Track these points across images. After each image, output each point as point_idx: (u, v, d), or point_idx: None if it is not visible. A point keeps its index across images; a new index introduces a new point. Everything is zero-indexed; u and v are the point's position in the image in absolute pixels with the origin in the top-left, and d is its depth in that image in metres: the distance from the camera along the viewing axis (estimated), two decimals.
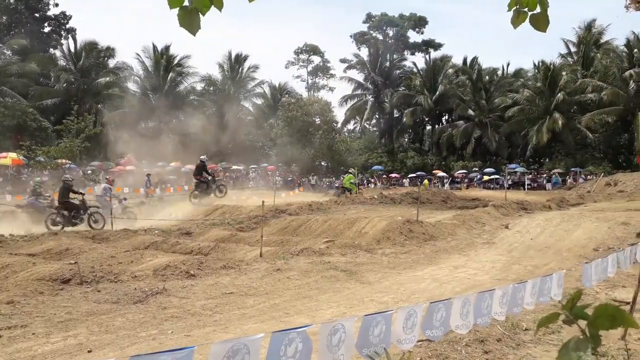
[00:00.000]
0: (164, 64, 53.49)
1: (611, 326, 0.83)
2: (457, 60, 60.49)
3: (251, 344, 1.99)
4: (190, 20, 2.01)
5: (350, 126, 68.62)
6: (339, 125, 60.87)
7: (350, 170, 30.16)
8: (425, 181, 34.20)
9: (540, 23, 2.32)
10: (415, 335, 2.83)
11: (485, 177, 45.54)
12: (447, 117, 61.27)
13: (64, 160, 30.52)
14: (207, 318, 6.32)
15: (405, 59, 66.47)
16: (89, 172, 34.85)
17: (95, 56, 51.27)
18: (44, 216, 17.08)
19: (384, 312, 2.60)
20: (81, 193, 17.94)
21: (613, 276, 7.48)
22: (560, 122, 45.47)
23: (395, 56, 65.54)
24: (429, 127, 63.29)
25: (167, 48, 54.32)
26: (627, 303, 5.97)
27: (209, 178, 22.62)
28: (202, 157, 23.60)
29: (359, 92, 63.62)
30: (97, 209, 17.89)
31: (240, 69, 58.98)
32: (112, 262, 10.12)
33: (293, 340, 2.18)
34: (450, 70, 58.62)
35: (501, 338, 5.19)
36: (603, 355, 4.84)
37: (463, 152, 54.69)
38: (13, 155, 33.29)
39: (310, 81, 74.30)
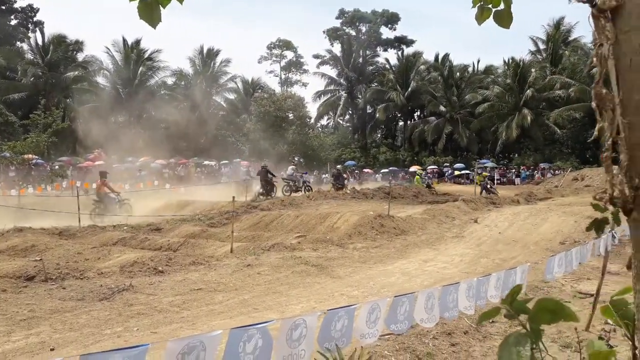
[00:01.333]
0: (134, 58, 52.59)
1: (552, 320, 0.83)
2: (429, 56, 61.05)
3: (208, 340, 1.95)
4: (150, 13, 1.98)
5: (324, 121, 68.69)
6: (312, 120, 60.79)
7: (417, 172, 37.06)
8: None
9: (504, 20, 2.33)
10: (378, 330, 2.83)
11: (456, 172, 46.07)
12: (419, 113, 61.72)
13: (30, 156, 29.81)
14: (174, 315, 6.25)
15: (378, 55, 66.73)
16: (57, 167, 34.11)
17: (63, 50, 50.13)
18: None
19: (346, 306, 2.60)
20: (274, 175, 25.05)
21: (578, 269, 7.66)
22: (529, 118, 46.25)
23: (368, 52, 65.68)
24: (401, 123, 63.66)
25: (137, 42, 53.42)
26: (592, 295, 6.11)
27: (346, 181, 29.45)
28: (338, 166, 32.21)
29: (332, 87, 63.61)
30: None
31: (212, 63, 58.41)
32: (78, 259, 9.94)
33: (253, 336, 2.15)
34: (422, 67, 59.01)
35: (468, 331, 5.26)
36: (567, 346, 4.94)
37: (434, 147, 55.20)
38: None
39: (283, 76, 74.03)
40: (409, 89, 56.41)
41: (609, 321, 5.69)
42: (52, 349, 4.95)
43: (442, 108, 54.53)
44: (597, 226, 1.07)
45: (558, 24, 52.33)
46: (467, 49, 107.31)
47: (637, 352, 1.02)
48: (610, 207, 0.97)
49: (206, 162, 46.30)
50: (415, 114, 62.25)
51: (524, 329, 0.80)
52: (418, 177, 36.68)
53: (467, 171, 45.36)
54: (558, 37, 51.26)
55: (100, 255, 10.14)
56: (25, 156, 28.55)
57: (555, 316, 0.83)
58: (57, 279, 7.91)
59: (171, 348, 1.82)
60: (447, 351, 4.74)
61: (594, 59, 0.96)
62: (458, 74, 57.24)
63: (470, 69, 58.48)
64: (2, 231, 13.70)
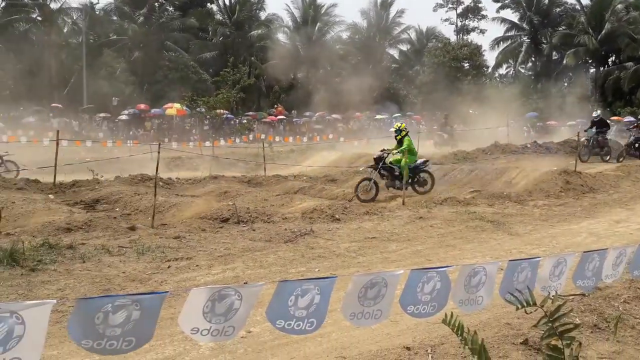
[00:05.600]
0: (312, 14, 54.22)
1: None
2: None
3: (390, 278, 2.03)
4: None
5: (502, 70, 64.40)
6: (490, 70, 57.55)
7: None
8: None
9: None
10: (561, 283, 2.69)
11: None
12: (613, 58, 54.97)
13: (221, 111, 32.61)
14: (351, 259, 6.56)
15: None
16: (244, 121, 36.93)
17: (248, 9, 53.22)
18: None
19: (530, 258, 2.50)
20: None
21: None
22: None
23: None
24: (592, 70, 57.38)
25: None
26: None
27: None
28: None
29: (512, 33, 59.15)
30: None
31: (386, 14, 57.85)
32: (265, 205, 10.79)
33: (432, 278, 2.18)
34: (620, 6, 52.04)
35: None
36: None
37: (632, 97, 49.02)
38: (177, 105, 36.23)
39: (459, 24, 70.50)
40: (603, 32, 50.39)
41: None
42: (245, 283, 5.52)
43: None
44: None
45: None
46: None
47: None
48: None
49: (378, 117, 46.60)
50: (610, 60, 55.58)
51: None
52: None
53: None
54: None
55: (283, 202, 10.92)
56: (217, 111, 31.30)
57: None
58: (248, 221, 8.71)
59: (356, 280, 1.94)
60: None
61: None
62: None
63: None
64: (200, 178, 15.41)
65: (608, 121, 22.00)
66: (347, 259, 6.57)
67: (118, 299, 1.96)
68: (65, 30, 47.84)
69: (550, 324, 1.51)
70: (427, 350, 3.71)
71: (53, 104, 36.86)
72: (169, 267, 6.02)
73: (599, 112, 20.43)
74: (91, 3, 46.88)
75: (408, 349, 3.78)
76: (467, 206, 10.30)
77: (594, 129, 19.23)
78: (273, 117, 42.52)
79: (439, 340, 3.86)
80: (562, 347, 1.51)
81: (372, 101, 48.24)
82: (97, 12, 48.74)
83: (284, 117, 42.99)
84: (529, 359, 3.55)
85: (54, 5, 45.29)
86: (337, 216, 9.10)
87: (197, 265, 6.15)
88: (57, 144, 13.38)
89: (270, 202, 11.01)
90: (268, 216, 9.13)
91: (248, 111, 44.63)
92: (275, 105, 46.33)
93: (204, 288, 2.14)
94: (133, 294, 2.02)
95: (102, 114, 37.18)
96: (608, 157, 18.85)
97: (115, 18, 50.19)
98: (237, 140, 30.87)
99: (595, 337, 3.95)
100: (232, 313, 2.11)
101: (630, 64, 49.52)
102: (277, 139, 31.64)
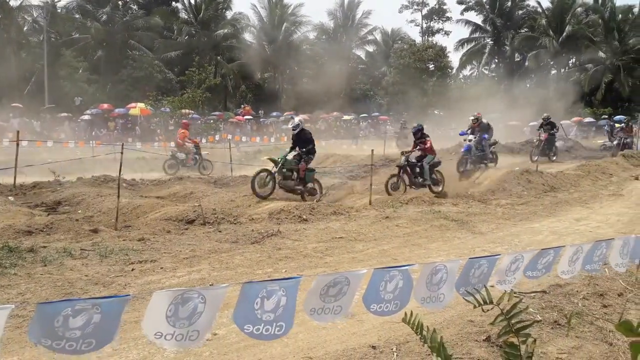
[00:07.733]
0: (278, 14, 54.08)
1: None
2: None
3: (352, 277, 2.06)
4: None
5: (467, 72, 65.41)
6: (454, 71, 58.40)
7: None
8: None
9: None
10: (515, 278, 2.77)
11: (617, 126, 41.92)
12: (574, 60, 56.48)
13: (187, 110, 32.24)
14: (318, 260, 6.58)
15: None
16: (210, 121, 36.57)
17: (213, 8, 52.68)
18: None
19: (489, 256, 2.56)
20: None
21: None
22: None
23: None
24: (553, 72, 58.78)
25: None
26: None
27: None
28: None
29: (476, 35, 60.18)
30: None
31: (353, 15, 58.15)
32: (231, 206, 10.72)
33: (394, 277, 2.22)
34: (579, 9, 53.55)
35: (623, 293, 4.91)
36: None
37: (592, 98, 50.46)
38: (142, 105, 35.61)
39: (424, 25, 71.27)
40: (564, 34, 51.71)
41: None
42: (211, 285, 5.47)
43: (601, 54, 49.42)
44: None
45: None
46: None
47: None
48: None
49: (345, 117, 46.74)
50: (570, 62, 57.07)
51: None
52: None
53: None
54: None
55: (250, 203, 10.88)
56: (183, 111, 30.93)
57: None
58: (214, 223, 8.64)
59: (320, 280, 1.95)
60: (599, 312, 4.47)
61: None
62: (620, 15, 51.21)
63: (635, 10, 51.98)
64: (165, 179, 15.20)
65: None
66: (314, 259, 6.59)
67: (79, 303, 1.92)
68: (25, 29, 46.55)
69: (506, 321, 1.55)
70: (392, 349, 3.76)
71: (13, 104, 35.77)
72: (132, 270, 5.92)
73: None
74: (52, 0, 45.68)
75: (374, 347, 3.83)
76: (432, 206, 10.45)
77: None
78: (240, 117, 42.21)
79: (404, 338, 3.91)
80: (518, 343, 1.55)
81: (339, 102, 48.45)
82: (59, 10, 47.55)
83: (251, 117, 42.74)
84: (492, 356, 3.63)
85: (13, 3, 44.13)
86: (304, 217, 9.12)
87: (161, 268, 6.07)
88: (18, 144, 13.00)
89: (237, 203, 10.94)
90: (234, 217, 9.08)
91: (214, 111, 44.23)
92: (242, 105, 46.05)
93: (167, 291, 2.11)
94: (95, 298, 1.98)
95: (64, 114, 36.36)
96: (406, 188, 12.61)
97: (77, 16, 49.06)
98: (203, 140, 30.56)
99: (555, 333, 4.06)
100: (196, 317, 2.09)
101: (589, 65, 50.95)
102: (244, 139, 31.44)
